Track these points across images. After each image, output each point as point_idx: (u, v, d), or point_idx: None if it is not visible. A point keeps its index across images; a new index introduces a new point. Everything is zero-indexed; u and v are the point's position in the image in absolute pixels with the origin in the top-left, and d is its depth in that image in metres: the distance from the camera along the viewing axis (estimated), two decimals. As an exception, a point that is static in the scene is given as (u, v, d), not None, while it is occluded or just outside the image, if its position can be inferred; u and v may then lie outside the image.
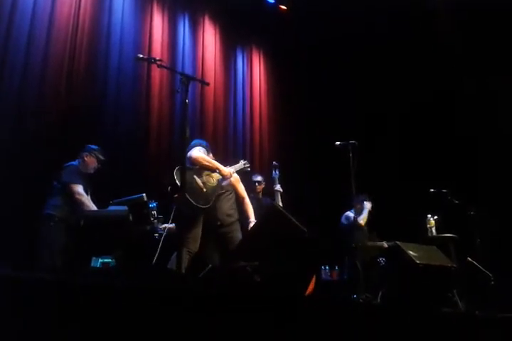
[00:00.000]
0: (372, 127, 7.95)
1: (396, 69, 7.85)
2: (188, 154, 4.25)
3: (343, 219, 6.14)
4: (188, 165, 4.05)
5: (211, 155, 4.64)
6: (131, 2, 6.28)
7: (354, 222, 5.72)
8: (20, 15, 5.04)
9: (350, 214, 5.98)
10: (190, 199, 3.93)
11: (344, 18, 7.56)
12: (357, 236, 5.48)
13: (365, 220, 5.96)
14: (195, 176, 4.22)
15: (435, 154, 7.55)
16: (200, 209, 4.06)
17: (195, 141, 4.59)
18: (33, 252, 4.08)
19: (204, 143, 4.64)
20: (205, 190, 4.21)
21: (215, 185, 4.37)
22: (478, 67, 7.31)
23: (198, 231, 4.20)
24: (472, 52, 7.39)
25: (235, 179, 4.61)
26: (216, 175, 4.42)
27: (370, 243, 5.84)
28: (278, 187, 5.29)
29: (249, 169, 4.83)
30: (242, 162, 4.85)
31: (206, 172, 4.37)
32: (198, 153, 4.38)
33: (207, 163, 4.37)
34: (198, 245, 4.12)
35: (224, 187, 4.52)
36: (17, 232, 4.18)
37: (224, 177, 4.44)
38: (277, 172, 5.42)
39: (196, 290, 2.23)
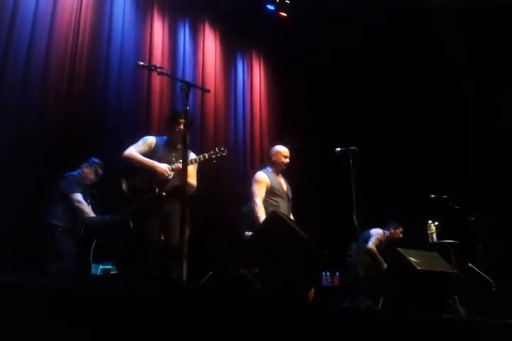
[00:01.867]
0: (373, 132, 7.96)
1: (396, 74, 7.87)
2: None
3: (367, 234, 6.08)
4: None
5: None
6: (132, 9, 6.31)
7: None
8: (20, 21, 5.06)
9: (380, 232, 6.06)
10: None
11: (344, 24, 7.60)
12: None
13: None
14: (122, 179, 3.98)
15: (436, 159, 7.55)
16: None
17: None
18: (35, 261, 4.08)
19: (150, 137, 4.25)
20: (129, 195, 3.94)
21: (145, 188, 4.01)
22: (479, 68, 7.32)
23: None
24: (473, 52, 7.40)
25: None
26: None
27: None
28: None
29: (224, 154, 4.20)
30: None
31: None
32: (128, 150, 4.06)
33: (137, 163, 4.01)
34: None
35: None
36: (18, 241, 4.18)
37: (160, 176, 3.98)
38: None
39: (197, 297, 2.23)
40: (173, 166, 4.01)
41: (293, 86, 8.23)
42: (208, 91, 4.77)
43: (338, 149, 4.88)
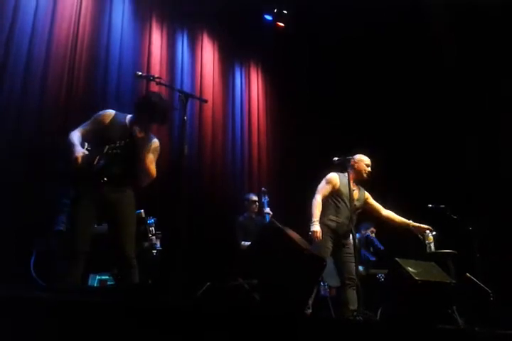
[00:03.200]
0: (372, 141, 7.98)
1: (397, 84, 7.91)
2: None
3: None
4: None
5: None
6: (130, 19, 6.34)
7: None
8: (19, 31, 5.09)
9: None
10: None
11: (342, 33, 7.65)
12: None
13: None
14: None
15: (434, 169, 7.56)
16: None
17: None
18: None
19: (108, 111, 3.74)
20: None
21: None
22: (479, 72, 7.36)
23: None
24: (471, 54, 7.43)
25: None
26: None
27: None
28: (267, 209, 5.30)
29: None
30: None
31: None
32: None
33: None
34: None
35: None
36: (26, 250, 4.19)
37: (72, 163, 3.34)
38: (266, 197, 5.44)
39: (195, 308, 2.22)
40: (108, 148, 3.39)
41: (291, 96, 8.27)
42: (206, 101, 4.77)
43: (336, 158, 4.88)
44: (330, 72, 8.20)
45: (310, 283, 3.94)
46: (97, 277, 3.91)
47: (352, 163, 4.75)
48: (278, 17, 7.83)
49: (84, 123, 3.62)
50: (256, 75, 8.19)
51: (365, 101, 8.21)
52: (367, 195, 4.88)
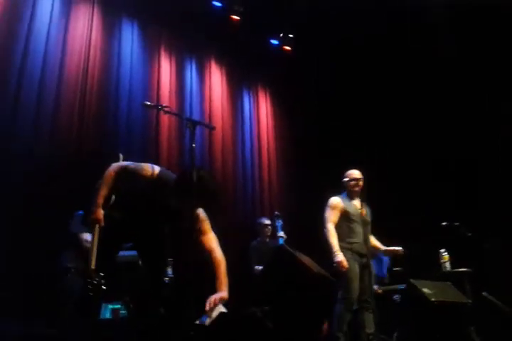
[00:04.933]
0: (383, 160, 7.97)
1: (405, 99, 7.92)
2: None
3: None
4: None
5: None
6: (140, 49, 6.46)
7: None
8: (31, 62, 5.21)
9: None
10: None
11: (348, 55, 7.74)
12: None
13: None
14: None
15: (447, 186, 7.52)
16: None
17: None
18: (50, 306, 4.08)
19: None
20: None
21: None
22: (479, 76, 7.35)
23: None
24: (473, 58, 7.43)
25: None
26: None
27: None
28: (281, 233, 5.30)
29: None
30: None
31: None
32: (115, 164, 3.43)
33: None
34: None
35: None
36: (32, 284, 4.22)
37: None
38: (280, 221, 5.44)
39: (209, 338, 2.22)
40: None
41: (300, 118, 8.32)
42: (214, 128, 4.83)
43: (346, 179, 4.89)
44: (338, 93, 8.25)
45: (324, 307, 3.91)
46: (110, 306, 3.91)
47: (344, 180, 4.79)
48: (284, 41, 7.93)
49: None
50: (264, 98, 8.26)
51: (376, 119, 8.21)
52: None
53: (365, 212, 4.71)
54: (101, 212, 3.23)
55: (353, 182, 4.72)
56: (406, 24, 7.26)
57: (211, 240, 3.40)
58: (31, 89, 5.15)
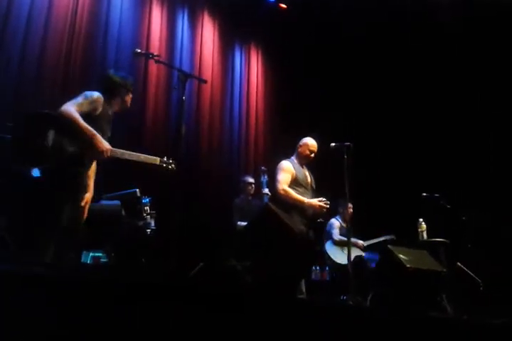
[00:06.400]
0: (370, 129, 7.97)
1: (395, 69, 7.87)
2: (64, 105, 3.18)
3: (327, 227, 6.27)
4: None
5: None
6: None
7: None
8: (17, 8, 5.00)
9: (334, 221, 6.25)
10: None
11: (345, 15, 7.58)
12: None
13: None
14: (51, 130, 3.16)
15: (429, 158, 7.57)
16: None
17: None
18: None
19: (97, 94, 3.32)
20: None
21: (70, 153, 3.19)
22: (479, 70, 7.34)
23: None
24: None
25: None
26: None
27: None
28: (266, 190, 5.26)
29: (170, 167, 3.62)
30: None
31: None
32: (71, 107, 3.15)
33: (75, 127, 3.11)
34: None
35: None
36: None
37: (96, 153, 3.21)
38: (266, 177, 5.39)
39: (186, 288, 2.22)
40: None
41: (291, 78, 8.20)
42: (205, 81, 4.73)
43: (333, 144, 4.86)
44: (330, 56, 8.12)
45: (302, 267, 3.96)
46: (91, 254, 3.91)
47: (298, 146, 4.76)
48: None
49: (79, 102, 3.21)
50: (256, 56, 8.11)
51: (367, 85, 8.15)
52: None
53: (310, 179, 4.72)
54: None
55: (307, 152, 4.69)
56: None
57: None
58: (16, 35, 4.96)
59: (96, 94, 3.29)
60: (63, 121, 3.09)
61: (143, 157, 3.47)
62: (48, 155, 3.05)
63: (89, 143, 3.14)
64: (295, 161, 4.67)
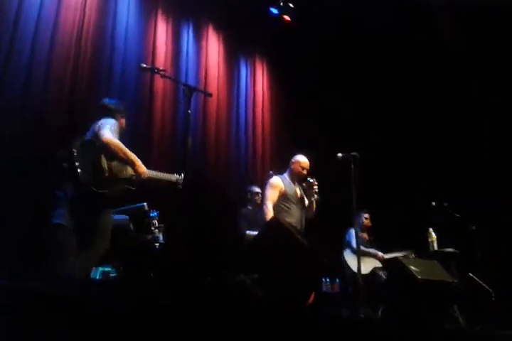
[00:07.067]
0: (378, 138, 7.95)
1: (403, 81, 7.87)
2: (100, 133, 3.54)
3: (347, 237, 6.27)
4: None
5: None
6: (136, 10, 6.26)
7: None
8: (24, 21, 4.98)
9: (352, 231, 6.16)
10: (80, 176, 3.33)
11: (350, 28, 7.61)
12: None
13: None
14: (102, 155, 3.53)
15: (439, 168, 7.53)
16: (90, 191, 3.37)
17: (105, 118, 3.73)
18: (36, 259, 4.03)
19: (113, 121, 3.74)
20: (107, 175, 3.51)
21: (125, 177, 3.64)
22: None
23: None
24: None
25: None
26: (130, 169, 3.69)
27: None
28: None
29: (180, 187, 3.84)
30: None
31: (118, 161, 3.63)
32: (110, 134, 3.56)
33: (122, 154, 3.59)
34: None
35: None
36: (22, 241, 4.16)
37: (138, 175, 3.65)
38: None
39: (196, 303, 2.20)
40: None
41: (296, 90, 8.22)
42: (210, 95, 4.74)
43: (340, 155, 4.86)
44: (335, 67, 8.14)
45: (311, 279, 3.92)
46: (100, 269, 3.89)
47: (290, 163, 4.86)
48: (284, 10, 7.74)
49: (112, 129, 3.63)
50: (261, 68, 8.14)
51: (374, 96, 8.16)
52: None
53: (302, 196, 4.76)
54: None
55: (299, 169, 4.77)
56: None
57: None
58: (24, 49, 4.94)
59: (113, 120, 3.72)
60: (110, 148, 3.52)
61: (164, 175, 3.88)
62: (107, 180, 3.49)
63: (133, 166, 3.64)
64: (287, 178, 4.78)
